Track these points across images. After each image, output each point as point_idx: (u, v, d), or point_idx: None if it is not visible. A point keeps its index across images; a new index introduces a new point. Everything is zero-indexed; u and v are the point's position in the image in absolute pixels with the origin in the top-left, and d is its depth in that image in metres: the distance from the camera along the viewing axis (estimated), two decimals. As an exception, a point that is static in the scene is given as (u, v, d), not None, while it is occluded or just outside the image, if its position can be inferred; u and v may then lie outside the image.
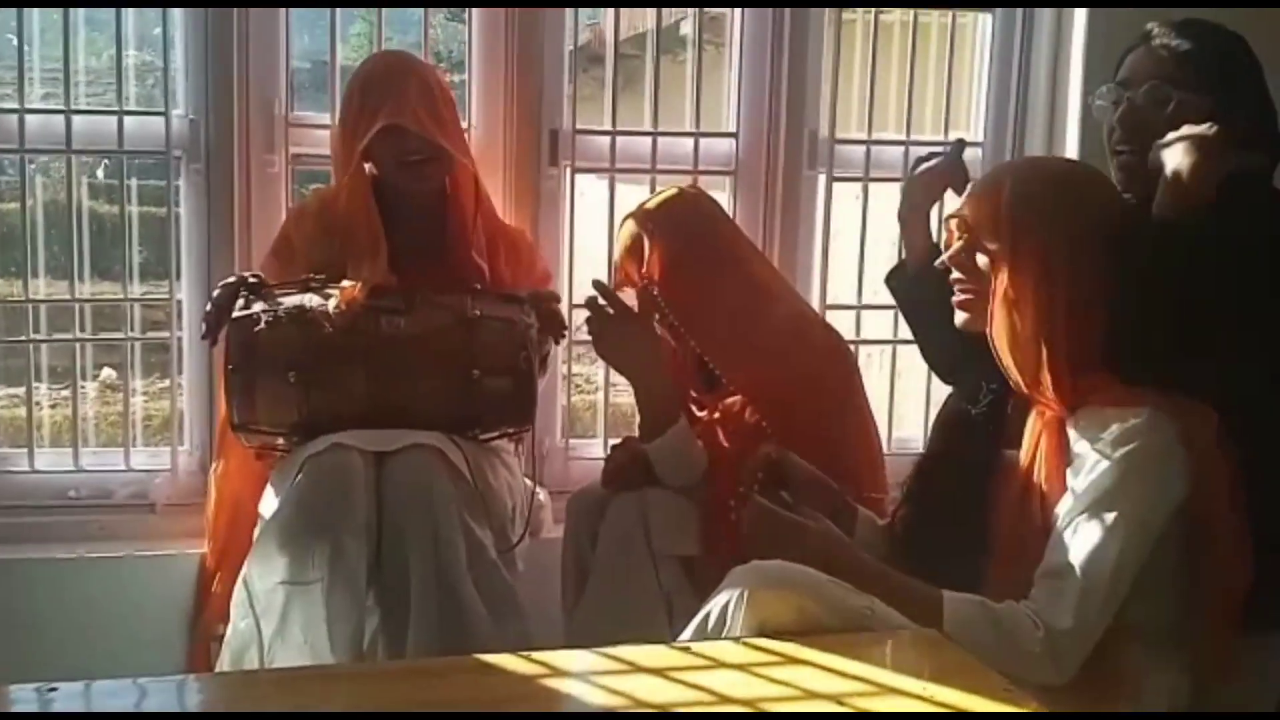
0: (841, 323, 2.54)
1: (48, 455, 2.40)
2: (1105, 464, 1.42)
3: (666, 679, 1.26)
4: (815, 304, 2.51)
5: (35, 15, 2.32)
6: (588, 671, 1.28)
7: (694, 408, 2.06)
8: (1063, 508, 1.45)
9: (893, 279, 2.01)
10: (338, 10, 2.36)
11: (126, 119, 2.27)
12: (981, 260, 1.54)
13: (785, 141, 2.47)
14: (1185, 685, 1.52)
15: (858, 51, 2.57)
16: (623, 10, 2.56)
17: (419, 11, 2.38)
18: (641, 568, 1.90)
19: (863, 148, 2.51)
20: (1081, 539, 1.42)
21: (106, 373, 3.07)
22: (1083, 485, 1.43)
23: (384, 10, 2.36)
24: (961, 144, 1.94)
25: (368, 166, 2.09)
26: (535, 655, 1.30)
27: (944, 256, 1.60)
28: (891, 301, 2.08)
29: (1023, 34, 2.52)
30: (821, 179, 2.51)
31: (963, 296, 1.58)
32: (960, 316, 1.59)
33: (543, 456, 2.48)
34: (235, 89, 2.27)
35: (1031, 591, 1.44)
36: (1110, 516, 1.41)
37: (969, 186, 1.60)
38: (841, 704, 1.21)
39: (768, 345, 1.97)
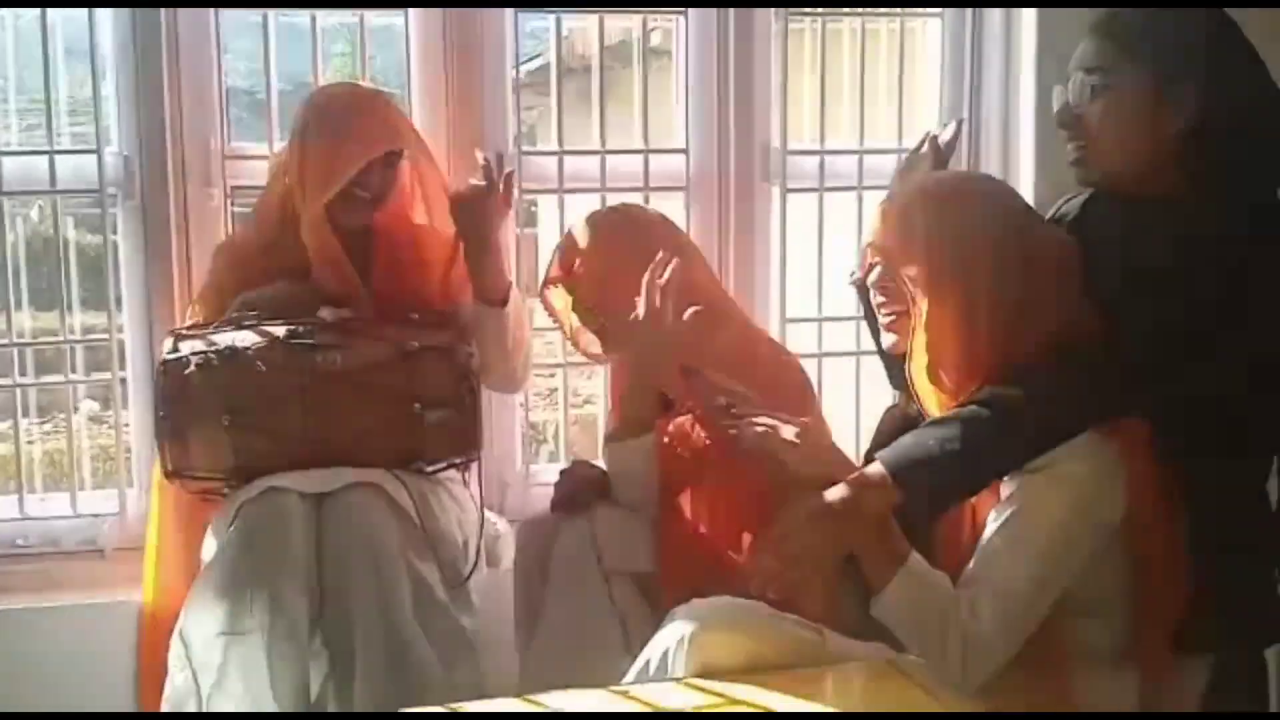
0: (802, 336, 2.51)
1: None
2: (1040, 481, 1.37)
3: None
4: (774, 318, 2.47)
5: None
6: (520, 724, 1.23)
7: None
8: (993, 518, 1.40)
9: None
10: (271, 34, 2.30)
11: (59, 158, 2.22)
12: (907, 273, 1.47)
13: (736, 155, 2.43)
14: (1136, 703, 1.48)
15: (807, 61, 2.53)
16: (576, 25, 2.51)
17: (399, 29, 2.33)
18: (594, 588, 1.85)
19: (816, 158, 2.47)
20: (1007, 554, 1.37)
21: (88, 405, 3.01)
22: (1015, 499, 1.39)
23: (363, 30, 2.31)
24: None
25: None
26: (463, 708, 1.26)
27: (858, 277, 1.57)
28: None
29: (973, 36, 2.48)
30: (775, 191, 2.46)
31: (888, 319, 1.54)
32: (888, 339, 1.56)
33: (504, 485, 2.44)
34: (168, 123, 2.22)
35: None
36: (1038, 534, 1.36)
37: (879, 209, 1.55)
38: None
39: (715, 364, 1.92)
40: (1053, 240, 1.50)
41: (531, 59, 3.44)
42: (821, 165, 2.46)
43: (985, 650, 1.34)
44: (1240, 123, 1.52)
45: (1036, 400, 1.39)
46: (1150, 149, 1.55)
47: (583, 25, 2.48)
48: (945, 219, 1.45)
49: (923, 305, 1.43)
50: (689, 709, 1.25)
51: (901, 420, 1.63)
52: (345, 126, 1.97)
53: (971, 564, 1.39)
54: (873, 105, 2.51)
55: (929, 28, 2.54)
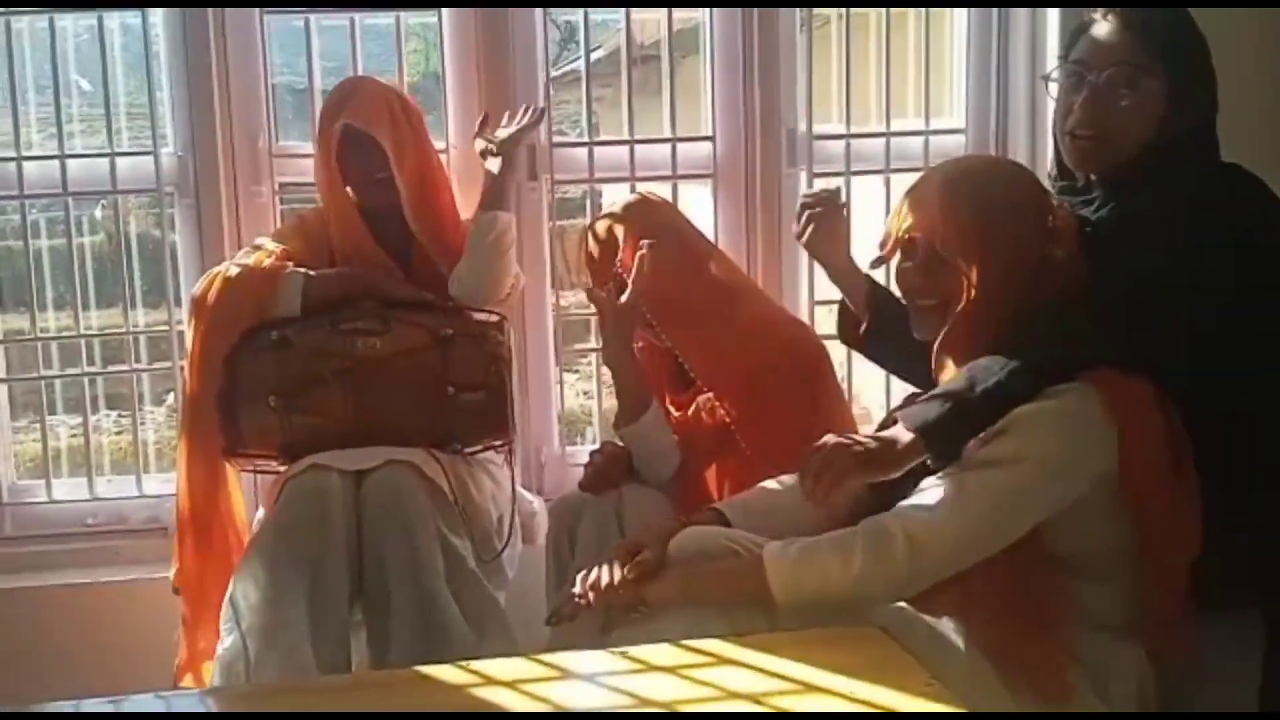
0: (831, 318, 2.54)
1: (71, 484, 2.53)
2: (1023, 423, 1.44)
3: (594, 684, 1.29)
4: (803, 301, 2.52)
5: (28, 62, 2.44)
6: (519, 678, 1.31)
7: (671, 408, 2.10)
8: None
9: (847, 334, 1.99)
10: (313, 35, 2.42)
11: (119, 159, 2.37)
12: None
13: (763, 141, 2.48)
14: (1151, 669, 1.51)
15: (833, 45, 2.56)
16: (640, 15, 2.56)
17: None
18: None
19: (842, 142, 2.51)
20: (972, 483, 1.43)
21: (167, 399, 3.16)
22: (998, 438, 1.45)
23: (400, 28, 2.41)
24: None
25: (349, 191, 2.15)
26: (470, 665, 1.34)
27: (882, 257, 1.64)
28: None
29: (999, 16, 2.50)
30: (802, 176, 2.50)
31: (926, 305, 1.59)
32: (919, 329, 1.61)
33: (541, 465, 2.53)
34: (218, 124, 2.36)
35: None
36: (1002, 474, 1.42)
37: (908, 200, 1.60)
38: (760, 703, 1.23)
39: (735, 341, 1.99)
40: (1065, 210, 1.59)
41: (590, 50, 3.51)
42: (848, 149, 2.50)
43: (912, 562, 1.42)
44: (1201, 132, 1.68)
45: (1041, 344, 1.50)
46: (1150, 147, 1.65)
47: (653, 16, 2.57)
48: (993, 194, 1.55)
49: (972, 276, 1.51)
50: (676, 667, 1.32)
51: None
52: (331, 109, 2.09)
53: (937, 485, 1.46)
54: (899, 87, 2.53)
55: (955, 9, 2.56)
